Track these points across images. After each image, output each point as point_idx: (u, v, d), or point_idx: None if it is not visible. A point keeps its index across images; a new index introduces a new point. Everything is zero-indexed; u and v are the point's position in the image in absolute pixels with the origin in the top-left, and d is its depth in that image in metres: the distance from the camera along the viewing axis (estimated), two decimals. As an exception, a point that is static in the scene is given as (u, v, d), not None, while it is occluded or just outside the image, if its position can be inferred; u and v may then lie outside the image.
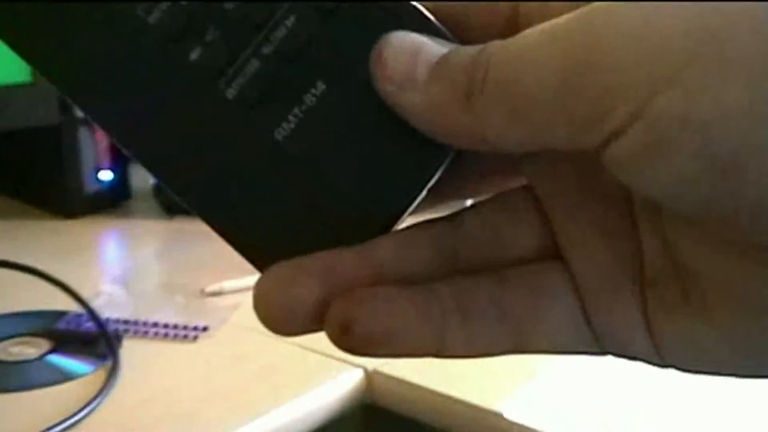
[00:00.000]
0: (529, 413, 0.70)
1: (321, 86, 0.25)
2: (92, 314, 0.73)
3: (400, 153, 0.25)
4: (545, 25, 0.22)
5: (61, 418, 0.62)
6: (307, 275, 0.24)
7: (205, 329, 0.75)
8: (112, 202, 1.00)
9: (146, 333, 0.75)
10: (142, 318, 0.76)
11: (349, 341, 0.24)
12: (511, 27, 0.25)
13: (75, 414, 0.63)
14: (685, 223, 0.24)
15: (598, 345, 0.25)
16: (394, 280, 0.25)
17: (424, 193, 0.26)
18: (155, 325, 0.76)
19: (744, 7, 0.20)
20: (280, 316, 0.25)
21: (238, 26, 0.25)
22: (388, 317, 0.24)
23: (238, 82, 0.25)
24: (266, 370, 0.71)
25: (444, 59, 0.24)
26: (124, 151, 0.26)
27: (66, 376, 0.69)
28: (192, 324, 0.76)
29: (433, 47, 0.24)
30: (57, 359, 0.71)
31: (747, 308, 0.23)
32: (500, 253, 0.26)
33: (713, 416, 0.72)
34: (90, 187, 0.97)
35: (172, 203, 0.94)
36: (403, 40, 0.24)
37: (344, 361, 0.69)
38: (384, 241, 0.26)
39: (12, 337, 0.74)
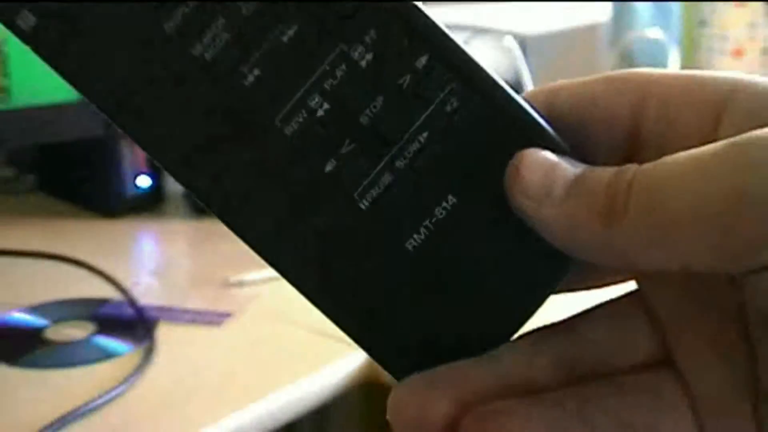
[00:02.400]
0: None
1: (452, 200, 0.23)
2: (131, 301, 0.75)
3: (526, 264, 0.23)
4: (692, 155, 0.20)
5: (103, 392, 0.64)
6: (440, 392, 0.22)
7: (228, 315, 0.75)
8: (149, 204, 0.99)
9: (178, 318, 0.75)
10: (175, 305, 0.77)
11: None
12: (631, 147, 0.23)
13: (115, 388, 0.65)
14: None
15: None
16: (519, 390, 0.23)
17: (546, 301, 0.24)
18: (186, 311, 0.76)
19: None
20: (413, 427, 0.22)
21: (371, 141, 0.23)
22: None
23: (372, 193, 0.23)
24: (281, 351, 0.72)
25: (581, 177, 0.22)
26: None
27: (108, 355, 0.70)
28: (217, 311, 0.76)
29: (567, 165, 0.22)
30: (100, 340, 0.73)
31: None
32: (615, 361, 0.23)
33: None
34: (130, 192, 0.97)
35: (201, 206, 0.93)
36: (538, 157, 0.22)
37: (350, 344, 0.71)
38: (507, 352, 0.23)
39: (62, 321, 0.75)
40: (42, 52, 0.22)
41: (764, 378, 0.22)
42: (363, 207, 0.23)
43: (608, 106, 0.23)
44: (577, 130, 0.23)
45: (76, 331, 0.74)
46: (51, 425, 0.61)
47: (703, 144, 0.21)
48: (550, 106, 0.24)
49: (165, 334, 0.73)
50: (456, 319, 0.24)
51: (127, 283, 0.77)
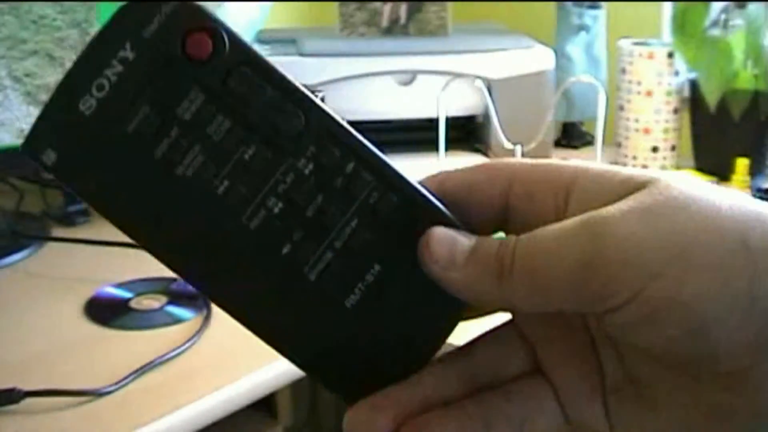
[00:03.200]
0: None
1: (377, 267, 0.24)
2: None
3: (435, 309, 0.24)
4: (554, 229, 0.22)
5: (173, 347, 0.65)
6: (381, 413, 0.23)
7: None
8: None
9: (229, 293, 0.77)
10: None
11: None
12: (501, 219, 0.25)
13: (182, 345, 0.66)
14: (643, 352, 0.22)
15: (572, 430, 0.25)
16: (437, 403, 0.24)
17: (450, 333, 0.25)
18: (235, 287, 0.77)
19: (701, 226, 0.21)
20: None
21: (315, 228, 0.23)
22: None
23: (318, 267, 0.24)
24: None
25: (475, 248, 0.23)
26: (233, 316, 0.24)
27: (177, 320, 0.71)
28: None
29: (463, 239, 0.23)
30: (171, 309, 0.73)
31: (689, 407, 0.23)
32: (503, 373, 0.25)
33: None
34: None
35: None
36: (442, 234, 0.23)
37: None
38: (426, 374, 0.24)
39: (143, 294, 0.75)
40: (62, 180, 0.22)
41: (608, 375, 0.24)
42: (312, 278, 0.24)
43: (484, 190, 0.25)
44: (461, 208, 0.25)
45: (153, 302, 0.74)
46: (134, 372, 0.62)
47: (558, 218, 0.23)
48: (440, 192, 0.25)
49: (219, 304, 0.74)
50: (388, 353, 0.24)
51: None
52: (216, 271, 0.23)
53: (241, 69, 0.23)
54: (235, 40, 0.23)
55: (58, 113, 0.22)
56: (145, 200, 0.23)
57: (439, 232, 0.24)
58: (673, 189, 0.22)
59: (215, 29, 0.22)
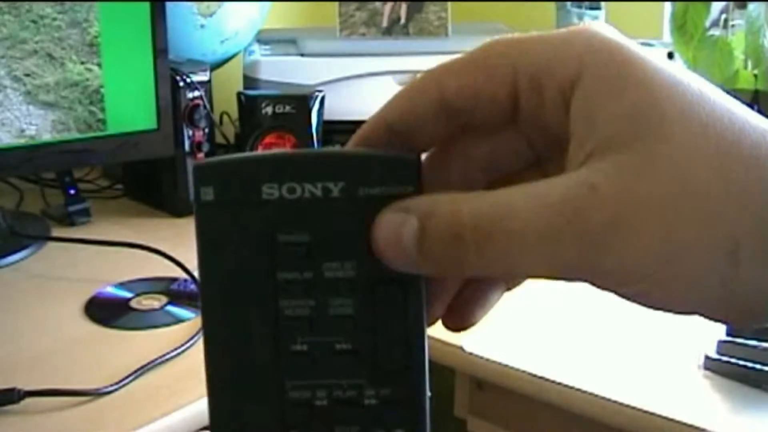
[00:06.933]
0: (487, 346, 0.66)
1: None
2: (194, 279, 0.75)
3: None
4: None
5: (174, 347, 0.65)
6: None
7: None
8: (208, 205, 0.98)
9: (229, 292, 0.77)
10: (227, 283, 0.77)
11: None
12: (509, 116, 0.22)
13: (183, 345, 0.65)
14: None
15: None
16: None
17: None
18: (235, 287, 0.77)
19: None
20: None
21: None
22: None
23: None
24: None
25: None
26: None
27: (177, 320, 0.71)
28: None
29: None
30: (171, 309, 0.73)
31: None
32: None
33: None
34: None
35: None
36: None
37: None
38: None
39: (143, 294, 0.76)
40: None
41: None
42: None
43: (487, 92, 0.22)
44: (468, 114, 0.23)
45: (153, 302, 0.74)
46: (134, 372, 0.62)
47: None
48: (442, 100, 0.22)
49: (219, 304, 0.74)
50: None
51: (191, 266, 0.77)
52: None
53: None
54: None
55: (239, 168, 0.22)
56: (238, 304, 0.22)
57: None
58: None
59: None
